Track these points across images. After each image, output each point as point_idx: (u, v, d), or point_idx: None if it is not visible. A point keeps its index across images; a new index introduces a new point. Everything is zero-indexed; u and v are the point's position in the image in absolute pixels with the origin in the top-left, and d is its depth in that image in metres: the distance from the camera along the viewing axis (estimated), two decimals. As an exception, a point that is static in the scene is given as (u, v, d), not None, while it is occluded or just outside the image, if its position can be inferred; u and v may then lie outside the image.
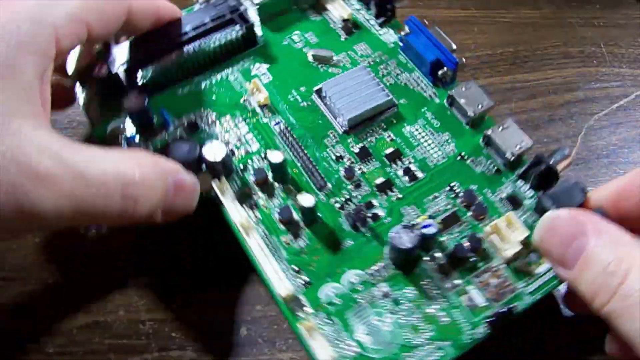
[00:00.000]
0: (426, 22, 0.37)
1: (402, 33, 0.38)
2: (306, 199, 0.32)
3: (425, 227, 0.31)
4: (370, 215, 0.33)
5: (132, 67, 0.35)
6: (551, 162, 0.33)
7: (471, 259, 0.31)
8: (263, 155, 0.35)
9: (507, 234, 0.31)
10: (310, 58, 0.38)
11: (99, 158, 0.28)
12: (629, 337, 0.25)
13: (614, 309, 0.25)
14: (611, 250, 0.26)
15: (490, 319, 0.30)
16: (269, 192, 0.34)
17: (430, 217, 0.32)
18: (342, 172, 0.34)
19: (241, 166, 0.34)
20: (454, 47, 0.36)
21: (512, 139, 0.34)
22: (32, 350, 0.33)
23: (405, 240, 0.30)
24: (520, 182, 0.34)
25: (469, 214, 0.33)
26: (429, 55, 0.36)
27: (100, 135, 0.36)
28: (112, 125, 0.36)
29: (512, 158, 0.33)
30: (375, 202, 0.33)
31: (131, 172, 0.28)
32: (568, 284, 0.28)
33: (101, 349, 0.33)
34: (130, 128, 0.36)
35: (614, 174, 0.41)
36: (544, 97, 0.45)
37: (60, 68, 0.35)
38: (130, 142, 0.35)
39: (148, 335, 0.33)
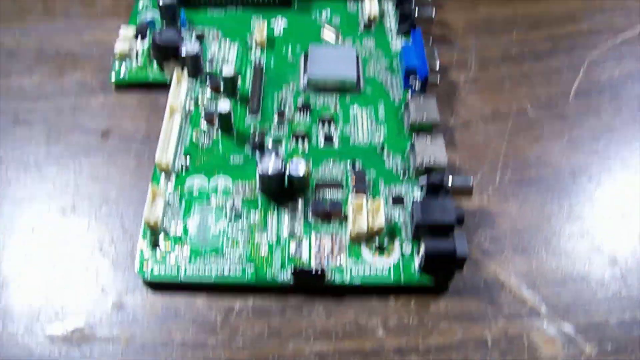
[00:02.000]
0: (430, 40, 0.36)
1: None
2: (224, 105, 0.32)
3: (294, 165, 0.29)
4: (270, 145, 0.32)
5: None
6: (447, 181, 0.29)
7: (322, 217, 0.29)
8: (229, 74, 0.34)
9: (364, 214, 0.28)
10: (321, 30, 0.38)
11: None
12: None
13: None
14: None
15: (295, 269, 0.27)
16: (215, 97, 0.34)
17: (306, 162, 0.30)
18: (276, 111, 0.34)
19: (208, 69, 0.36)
20: (437, 67, 0.34)
21: (432, 152, 0.31)
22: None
23: (269, 166, 0.29)
24: (416, 191, 0.31)
25: (352, 186, 0.30)
26: (408, 62, 0.34)
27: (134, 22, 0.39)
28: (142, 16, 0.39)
29: (421, 167, 0.30)
30: (284, 142, 0.32)
31: None
32: None
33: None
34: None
35: (617, 108, 0.36)
36: (546, 28, 0.40)
37: None
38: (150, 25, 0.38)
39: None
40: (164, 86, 0.35)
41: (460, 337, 0.27)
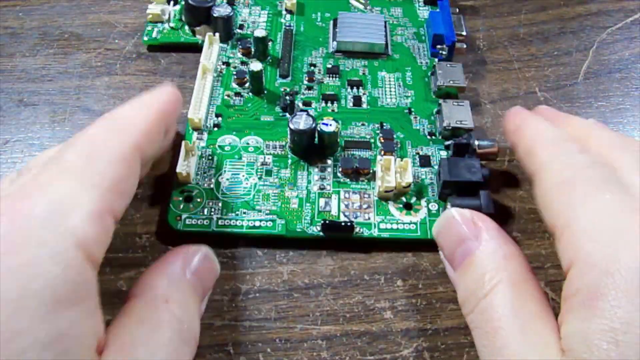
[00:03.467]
0: (457, 10, 0.36)
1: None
2: (255, 65, 0.32)
3: (324, 124, 0.29)
4: (300, 106, 0.32)
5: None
6: (474, 141, 0.29)
7: (351, 174, 0.29)
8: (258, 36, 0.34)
9: (392, 172, 0.28)
10: (350, -1, 0.38)
11: None
12: (478, 350, 0.21)
13: (473, 320, 0.22)
14: (492, 261, 0.22)
15: (324, 222, 0.27)
16: (245, 60, 0.34)
17: (336, 121, 0.29)
18: (306, 74, 0.34)
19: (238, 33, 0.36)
20: (464, 33, 0.34)
21: (458, 115, 0.31)
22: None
23: (301, 123, 0.29)
24: (443, 152, 0.30)
25: (380, 147, 0.30)
26: (436, 29, 0.34)
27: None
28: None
29: (448, 128, 0.30)
30: (314, 104, 0.32)
31: None
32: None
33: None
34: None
35: (626, 89, 0.35)
36: (555, 9, 0.40)
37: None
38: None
39: (144, 248, 0.28)
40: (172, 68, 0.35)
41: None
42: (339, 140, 0.30)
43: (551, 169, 0.23)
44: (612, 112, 0.34)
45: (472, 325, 0.22)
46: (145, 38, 0.35)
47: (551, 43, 0.38)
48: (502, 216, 0.29)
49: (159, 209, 0.29)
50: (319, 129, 0.29)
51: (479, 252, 0.22)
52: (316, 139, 0.30)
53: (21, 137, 0.32)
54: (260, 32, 0.33)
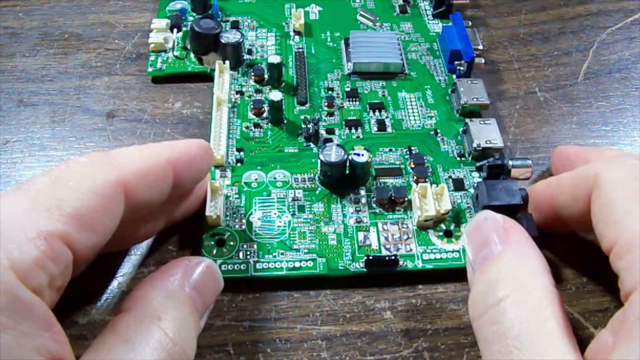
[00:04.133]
0: (469, 23, 0.35)
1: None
2: (275, 95, 0.30)
3: (356, 154, 0.28)
4: (324, 134, 0.31)
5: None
6: (508, 162, 0.29)
7: (386, 204, 0.28)
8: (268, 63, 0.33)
9: (430, 200, 0.28)
10: (358, 15, 0.37)
11: None
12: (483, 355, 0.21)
13: (480, 329, 0.21)
14: (511, 268, 0.21)
15: (367, 258, 0.26)
16: (258, 88, 0.33)
17: (367, 150, 0.28)
18: (325, 99, 0.32)
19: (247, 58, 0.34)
20: (481, 47, 0.33)
21: (487, 134, 0.30)
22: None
23: (332, 155, 0.28)
24: (475, 174, 0.30)
25: (412, 174, 0.29)
26: (453, 45, 0.33)
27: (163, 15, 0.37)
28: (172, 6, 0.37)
29: (479, 149, 0.30)
30: (337, 131, 0.31)
31: None
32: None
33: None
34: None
35: (626, 89, 0.35)
36: (555, 9, 0.40)
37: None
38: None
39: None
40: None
41: (468, 320, 0.25)
42: (370, 169, 0.29)
43: (618, 181, 0.22)
44: (612, 112, 0.34)
45: (479, 335, 0.21)
46: (150, 69, 0.34)
47: (551, 43, 0.38)
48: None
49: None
50: (350, 159, 0.28)
51: (499, 257, 0.22)
52: (347, 170, 0.29)
53: (21, 137, 0.32)
54: (274, 59, 0.32)
